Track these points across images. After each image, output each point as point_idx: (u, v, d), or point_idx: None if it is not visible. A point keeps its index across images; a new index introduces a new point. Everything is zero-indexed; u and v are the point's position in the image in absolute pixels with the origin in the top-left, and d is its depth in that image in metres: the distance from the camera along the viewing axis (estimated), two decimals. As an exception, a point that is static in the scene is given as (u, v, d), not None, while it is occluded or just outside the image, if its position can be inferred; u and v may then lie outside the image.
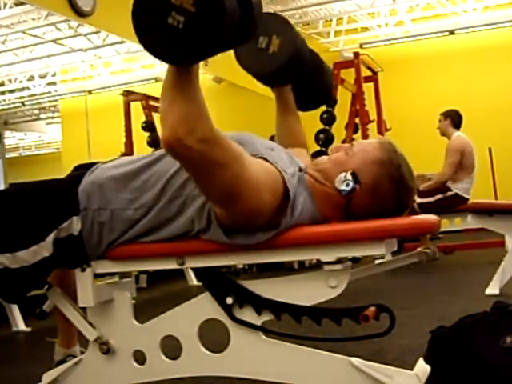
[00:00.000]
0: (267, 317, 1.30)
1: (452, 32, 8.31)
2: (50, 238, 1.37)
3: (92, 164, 1.50)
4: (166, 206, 1.34)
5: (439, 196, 4.47)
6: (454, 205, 4.38)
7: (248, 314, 1.31)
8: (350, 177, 1.29)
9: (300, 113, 1.79)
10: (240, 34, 1.12)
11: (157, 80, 8.33)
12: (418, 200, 4.32)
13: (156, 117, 6.20)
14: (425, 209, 4.18)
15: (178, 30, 1.04)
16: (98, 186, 1.39)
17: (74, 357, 1.60)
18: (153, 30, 1.07)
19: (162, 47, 1.08)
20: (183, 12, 1.04)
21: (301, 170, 1.39)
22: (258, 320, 1.30)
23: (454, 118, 4.77)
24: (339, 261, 1.26)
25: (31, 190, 1.47)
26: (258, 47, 1.62)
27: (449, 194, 4.47)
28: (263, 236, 1.26)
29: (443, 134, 4.78)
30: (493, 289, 2.96)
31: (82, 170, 1.49)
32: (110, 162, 1.49)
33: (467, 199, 4.48)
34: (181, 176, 1.33)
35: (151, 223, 1.36)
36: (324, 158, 1.42)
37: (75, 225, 1.38)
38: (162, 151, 1.42)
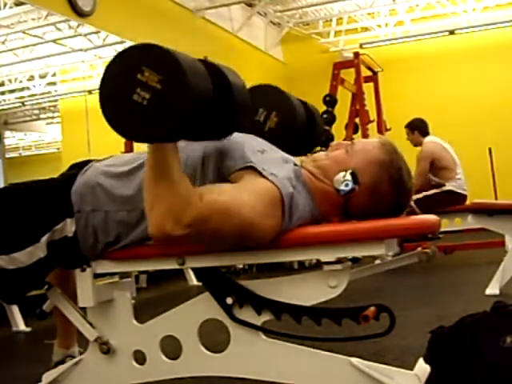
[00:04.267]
0: (267, 317, 1.30)
1: (452, 32, 8.31)
2: (44, 239, 1.36)
3: (86, 162, 1.49)
4: None
5: (434, 190, 4.50)
6: (451, 200, 4.41)
7: (248, 314, 1.31)
8: (349, 177, 1.28)
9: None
10: (222, 119, 1.13)
11: (157, 80, 8.31)
12: (414, 196, 4.33)
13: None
14: (422, 204, 4.20)
15: (142, 106, 1.05)
16: (91, 187, 1.39)
17: (73, 357, 1.60)
18: (118, 105, 1.09)
19: (127, 124, 1.09)
20: (149, 89, 1.05)
21: (296, 164, 1.38)
22: (258, 320, 1.30)
23: (420, 128, 4.88)
24: (339, 261, 1.25)
25: (25, 191, 1.46)
26: (256, 119, 1.64)
27: (444, 189, 4.51)
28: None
29: (416, 145, 4.83)
30: (493, 289, 2.96)
31: (76, 169, 1.48)
32: (104, 161, 1.47)
33: (464, 195, 4.51)
34: None
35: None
36: (322, 153, 1.41)
37: (69, 226, 1.37)
38: None
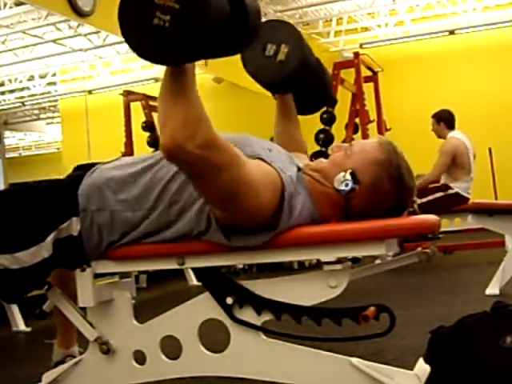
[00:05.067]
0: (267, 317, 1.30)
1: (452, 32, 8.31)
2: (50, 238, 1.37)
3: (92, 165, 1.50)
4: (165, 211, 1.34)
5: (440, 194, 4.48)
6: (455, 203, 4.39)
7: (248, 314, 1.31)
8: (349, 177, 1.28)
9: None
10: (233, 38, 1.12)
11: (157, 80, 8.33)
12: (419, 201, 4.33)
13: (156, 117, 6.21)
14: (425, 208, 4.18)
15: (164, 29, 1.04)
16: (98, 188, 1.40)
17: (74, 357, 1.60)
18: (140, 32, 1.08)
19: (151, 49, 1.08)
20: (168, 11, 1.04)
21: (299, 169, 1.39)
22: (257, 320, 1.30)
23: (447, 120, 4.78)
24: (339, 261, 1.26)
25: (31, 191, 1.47)
26: (266, 54, 1.63)
27: (450, 192, 4.49)
28: (262, 238, 1.25)
29: (440, 136, 4.80)
30: (493, 289, 2.96)
31: (81, 170, 1.49)
32: (110, 163, 1.49)
33: (468, 198, 4.49)
34: (178, 180, 1.33)
35: (152, 227, 1.36)
36: (323, 159, 1.42)
37: (75, 225, 1.38)
38: (159, 155, 1.42)
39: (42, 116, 11.16)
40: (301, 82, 1.69)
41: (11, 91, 9.80)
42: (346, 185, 1.28)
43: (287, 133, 1.74)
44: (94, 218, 1.38)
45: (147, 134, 6.06)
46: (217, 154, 1.14)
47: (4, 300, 2.28)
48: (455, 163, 4.55)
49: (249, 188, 1.19)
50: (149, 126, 6.05)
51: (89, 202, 1.39)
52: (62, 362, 1.61)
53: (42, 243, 1.37)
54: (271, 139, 1.79)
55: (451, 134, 4.68)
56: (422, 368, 1.28)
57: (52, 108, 10.65)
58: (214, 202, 1.24)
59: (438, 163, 4.56)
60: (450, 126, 4.75)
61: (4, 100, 10.01)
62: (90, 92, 8.75)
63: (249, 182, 1.19)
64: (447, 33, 8.34)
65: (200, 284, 1.39)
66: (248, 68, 1.66)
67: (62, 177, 1.57)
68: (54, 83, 9.61)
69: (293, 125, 1.75)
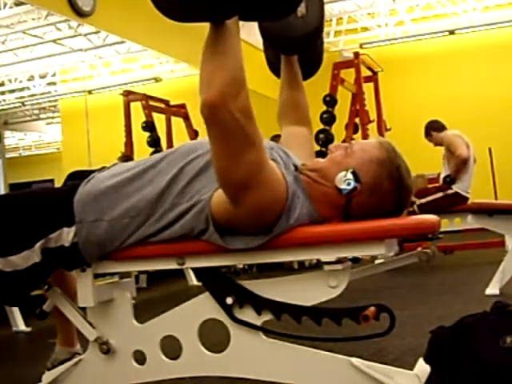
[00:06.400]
0: (267, 317, 1.30)
1: (452, 32, 8.32)
2: (38, 245, 1.36)
3: (87, 173, 1.49)
4: (164, 214, 1.33)
5: (440, 194, 4.48)
6: (455, 203, 4.39)
7: (248, 314, 1.31)
8: (350, 176, 1.27)
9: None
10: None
11: (157, 80, 8.33)
12: (418, 201, 4.33)
13: (156, 117, 6.20)
14: (425, 208, 4.19)
15: None
16: (94, 197, 1.38)
17: (80, 354, 1.60)
18: None
19: (186, 8, 1.08)
20: None
21: (296, 169, 1.38)
22: (258, 320, 1.30)
23: (433, 127, 4.79)
24: (339, 261, 1.25)
25: (26, 198, 1.47)
26: None
27: (449, 192, 4.48)
28: (259, 241, 1.25)
29: (440, 143, 4.77)
30: (493, 289, 2.96)
31: (77, 179, 1.48)
32: (106, 171, 1.47)
33: (467, 198, 4.50)
34: (178, 184, 1.33)
35: (151, 229, 1.35)
36: (319, 159, 1.41)
37: (65, 236, 1.37)
38: (156, 158, 1.42)
39: (42, 116, 11.14)
40: (318, 36, 1.63)
41: (11, 91, 9.78)
42: (348, 184, 1.27)
43: (293, 100, 1.69)
44: (91, 229, 1.36)
45: (147, 134, 6.06)
46: (252, 127, 1.15)
47: (5, 303, 2.28)
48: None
49: (266, 179, 1.19)
50: (149, 126, 6.05)
51: (85, 212, 1.37)
52: (69, 359, 1.61)
53: (32, 248, 1.36)
54: (272, 138, 1.78)
55: (448, 132, 4.68)
56: (422, 368, 1.27)
57: (52, 108, 10.63)
58: (232, 181, 1.19)
59: (456, 146, 4.48)
60: (440, 129, 4.75)
61: (4, 100, 10.00)
62: (90, 92, 8.74)
63: (270, 171, 1.20)
64: (447, 33, 8.36)
65: (200, 284, 1.39)
66: (268, 34, 1.59)
67: (62, 177, 1.56)
68: (54, 83, 9.60)
69: (299, 92, 1.70)
